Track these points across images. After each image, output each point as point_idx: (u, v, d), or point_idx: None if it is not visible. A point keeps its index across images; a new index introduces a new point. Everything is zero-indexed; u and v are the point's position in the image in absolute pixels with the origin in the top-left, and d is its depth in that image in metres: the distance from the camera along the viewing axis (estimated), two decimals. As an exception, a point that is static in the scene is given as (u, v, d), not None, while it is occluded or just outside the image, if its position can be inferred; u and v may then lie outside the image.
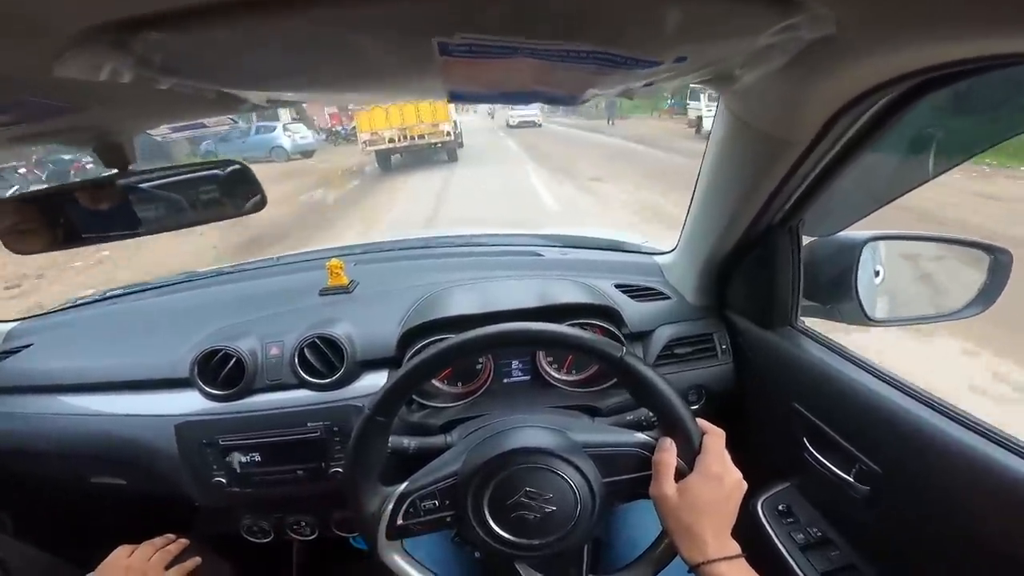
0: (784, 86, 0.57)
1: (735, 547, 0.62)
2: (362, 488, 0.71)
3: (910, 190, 0.81)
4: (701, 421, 0.69)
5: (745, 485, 0.66)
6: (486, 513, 0.69)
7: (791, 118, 0.62)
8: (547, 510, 0.68)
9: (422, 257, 1.34)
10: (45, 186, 0.75)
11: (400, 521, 0.70)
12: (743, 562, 0.61)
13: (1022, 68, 0.49)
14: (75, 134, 0.62)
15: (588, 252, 1.32)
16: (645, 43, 0.40)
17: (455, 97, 0.51)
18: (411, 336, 1.02)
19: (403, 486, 0.72)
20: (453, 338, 0.70)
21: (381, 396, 0.71)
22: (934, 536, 0.67)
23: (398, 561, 0.72)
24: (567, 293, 1.08)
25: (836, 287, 0.91)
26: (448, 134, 12.99)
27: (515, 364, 1.08)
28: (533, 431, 0.73)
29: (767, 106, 0.63)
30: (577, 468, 0.68)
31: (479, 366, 1.07)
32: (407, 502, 0.70)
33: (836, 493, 0.80)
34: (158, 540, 0.96)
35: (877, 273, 1.01)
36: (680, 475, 0.65)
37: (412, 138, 12.82)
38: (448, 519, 0.71)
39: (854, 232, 0.91)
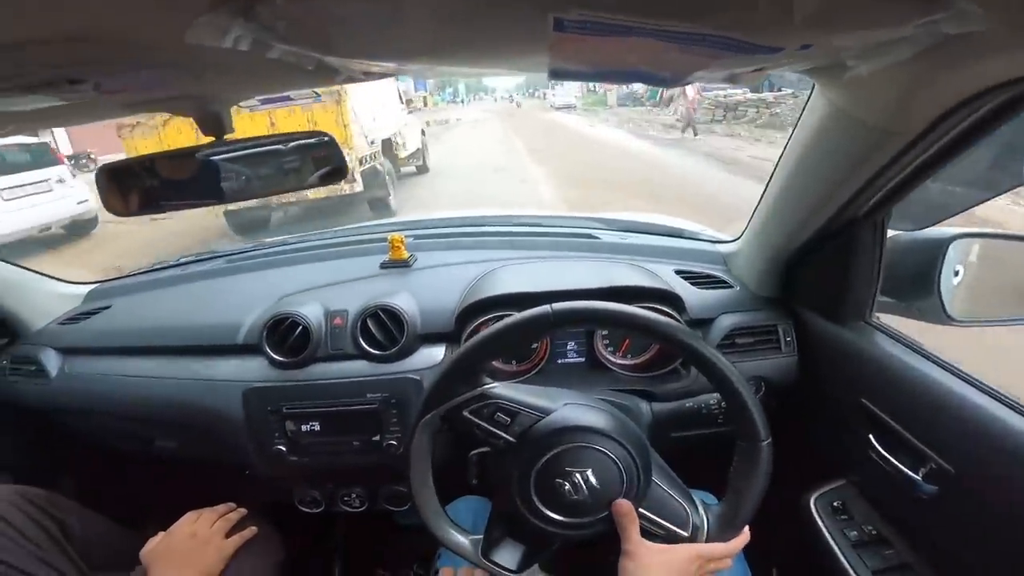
0: (900, 77, 0.54)
1: None
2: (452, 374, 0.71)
3: (1005, 192, 0.79)
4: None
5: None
6: (541, 466, 0.67)
7: (901, 110, 0.59)
8: (594, 487, 0.67)
9: (480, 235, 1.34)
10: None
11: (466, 413, 0.70)
12: None
13: None
14: (179, 102, 0.64)
15: (647, 237, 1.30)
16: (773, 28, 0.39)
17: (555, 74, 0.51)
18: (470, 312, 1.03)
19: (495, 386, 0.71)
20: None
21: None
22: (1000, 540, 0.66)
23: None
24: (626, 275, 1.06)
25: (916, 284, 0.88)
26: (352, 178, 5.82)
27: (571, 345, 1.08)
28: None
29: (875, 96, 0.60)
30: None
31: (535, 345, 1.08)
32: (487, 402, 0.69)
33: (899, 491, 0.78)
34: (221, 507, 0.98)
35: (956, 272, 0.96)
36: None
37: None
38: (502, 444, 0.69)
39: (940, 228, 0.87)
